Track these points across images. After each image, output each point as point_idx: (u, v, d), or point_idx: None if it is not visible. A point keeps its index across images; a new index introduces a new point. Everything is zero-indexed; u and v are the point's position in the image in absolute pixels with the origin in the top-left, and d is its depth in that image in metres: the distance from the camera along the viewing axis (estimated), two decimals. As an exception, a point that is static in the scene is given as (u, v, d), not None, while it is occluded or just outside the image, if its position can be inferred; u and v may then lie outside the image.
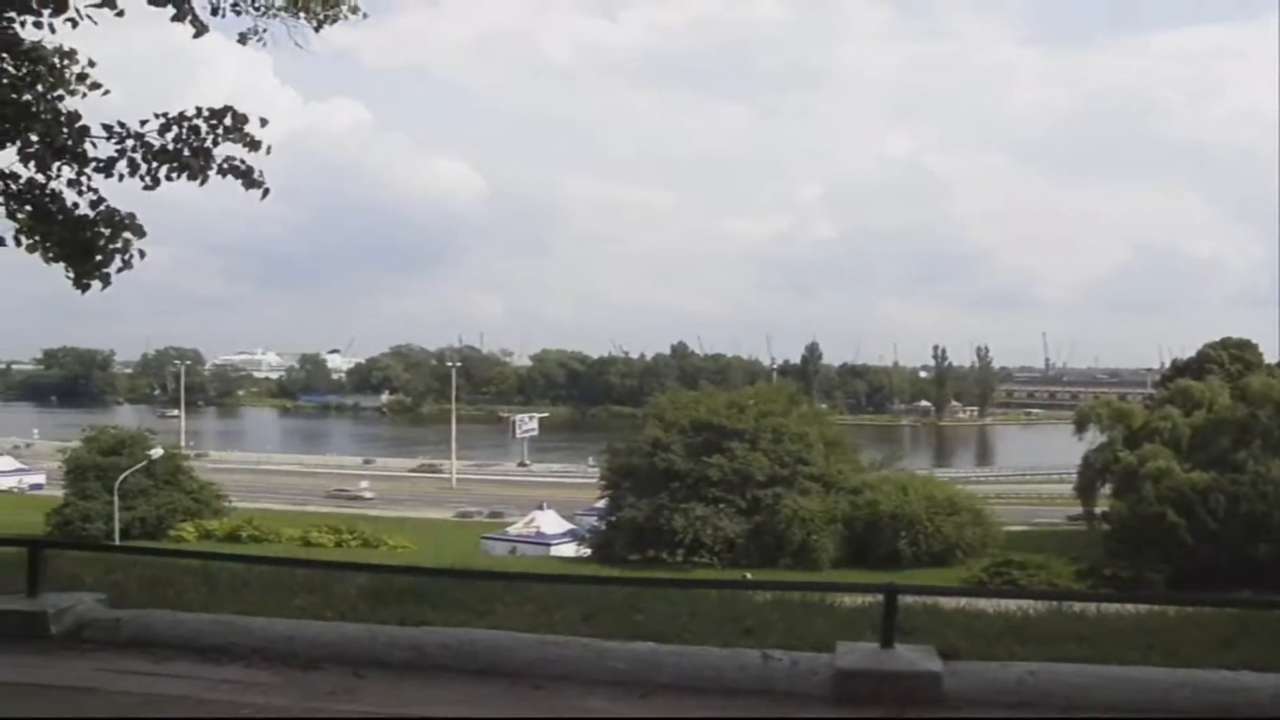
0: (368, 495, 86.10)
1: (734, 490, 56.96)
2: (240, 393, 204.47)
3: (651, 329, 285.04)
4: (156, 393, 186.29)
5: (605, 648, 5.34)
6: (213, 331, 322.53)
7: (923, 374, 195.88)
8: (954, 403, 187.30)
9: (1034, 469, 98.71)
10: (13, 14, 6.29)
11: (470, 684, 5.20)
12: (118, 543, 45.91)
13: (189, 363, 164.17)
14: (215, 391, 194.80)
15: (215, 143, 6.37)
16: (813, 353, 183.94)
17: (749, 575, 36.94)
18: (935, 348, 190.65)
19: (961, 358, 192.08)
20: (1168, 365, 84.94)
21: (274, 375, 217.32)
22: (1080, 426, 67.23)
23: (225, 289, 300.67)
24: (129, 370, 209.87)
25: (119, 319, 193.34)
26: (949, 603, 6.65)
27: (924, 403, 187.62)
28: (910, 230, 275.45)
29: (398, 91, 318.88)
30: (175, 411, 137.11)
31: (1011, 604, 6.81)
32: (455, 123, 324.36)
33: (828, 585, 9.79)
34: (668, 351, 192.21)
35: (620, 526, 58.67)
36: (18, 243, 6.31)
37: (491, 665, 5.32)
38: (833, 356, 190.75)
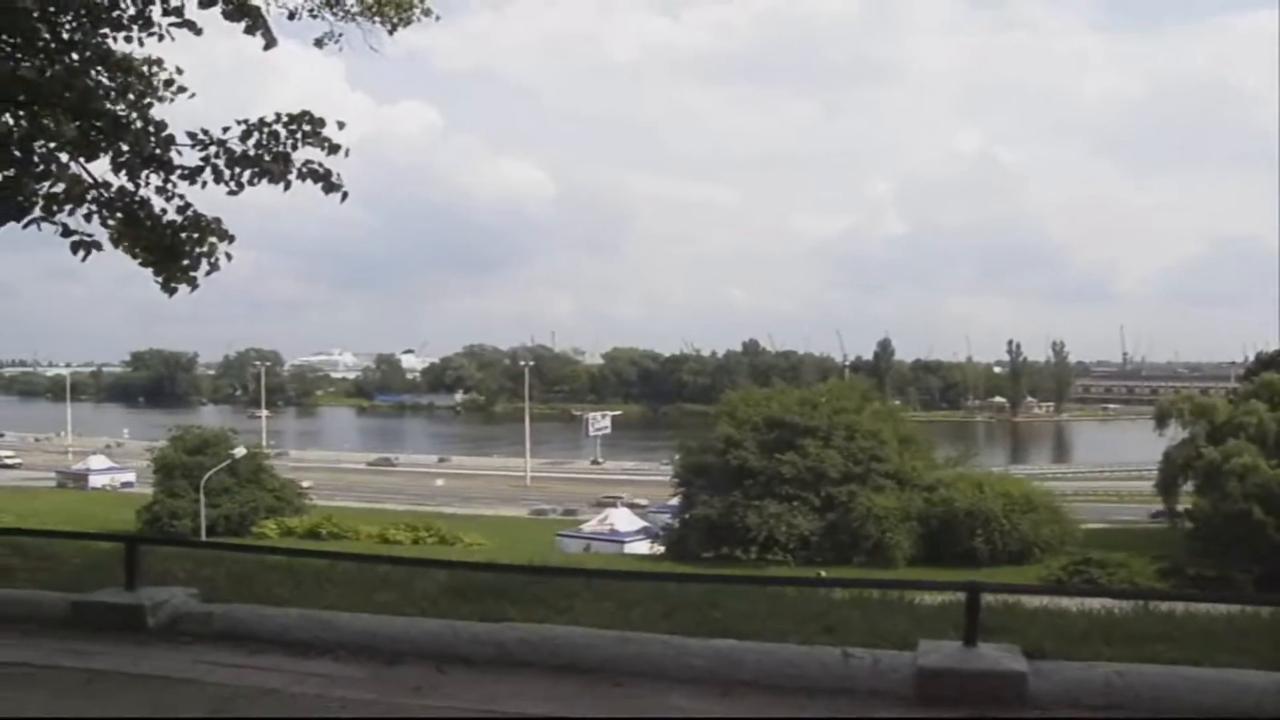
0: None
1: (807, 487, 56.62)
2: (318, 393, 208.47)
3: (722, 326, 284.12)
4: (238, 393, 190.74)
5: (685, 645, 5.32)
6: (291, 333, 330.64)
7: (997, 370, 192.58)
8: (1029, 399, 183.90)
9: (1112, 465, 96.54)
10: (106, 30, 6.50)
11: (551, 680, 5.23)
12: (205, 539, 47.07)
13: (269, 364, 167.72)
14: (294, 392, 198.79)
15: (295, 147, 6.51)
16: (885, 349, 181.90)
17: (823, 573, 36.70)
18: (1009, 343, 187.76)
19: (1036, 353, 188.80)
20: (1251, 359, 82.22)
21: (350, 376, 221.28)
22: (1161, 422, 65.60)
23: (303, 291, 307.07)
24: (211, 372, 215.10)
25: (202, 322, 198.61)
26: (1030, 602, 6.52)
27: (998, 399, 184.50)
28: (982, 224, 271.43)
29: (466, 94, 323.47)
30: (264, 412, 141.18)
31: (1095, 603, 6.64)
32: (523, 124, 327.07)
33: (907, 583, 9.65)
34: (739, 349, 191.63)
35: (693, 524, 58.67)
36: (114, 244, 6.52)
37: (572, 662, 5.34)
38: (905, 353, 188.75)
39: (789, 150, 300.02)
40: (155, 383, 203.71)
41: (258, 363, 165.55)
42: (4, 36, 5.80)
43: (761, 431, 58.85)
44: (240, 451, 64.70)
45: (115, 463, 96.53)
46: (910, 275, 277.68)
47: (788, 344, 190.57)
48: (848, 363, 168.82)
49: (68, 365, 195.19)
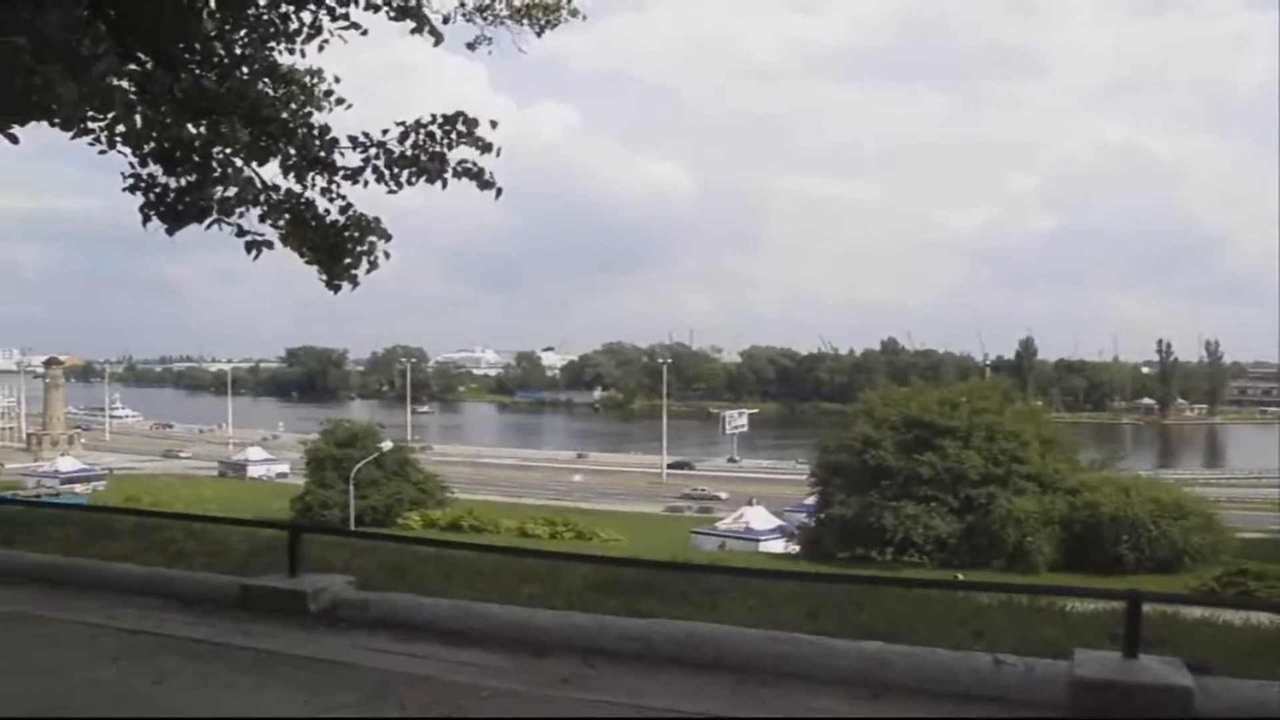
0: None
1: (946, 489, 55.34)
2: (460, 389, 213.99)
3: (860, 324, 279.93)
4: (384, 389, 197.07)
5: (833, 646, 5.27)
6: (436, 331, 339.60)
7: (1145, 370, 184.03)
8: (1180, 400, 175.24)
9: (1271, 471, 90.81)
10: (273, 44, 6.86)
11: (697, 678, 5.24)
12: (360, 529, 48.85)
13: (414, 360, 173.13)
14: (438, 388, 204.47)
15: (450, 147, 6.73)
16: (1027, 348, 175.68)
17: (960, 576, 35.75)
18: (1159, 342, 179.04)
19: (1188, 352, 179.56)
20: None
21: (492, 372, 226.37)
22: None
23: (447, 290, 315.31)
24: (360, 368, 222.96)
25: (352, 320, 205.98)
26: (1189, 613, 6.23)
27: (1147, 400, 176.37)
28: (1132, 218, 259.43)
29: (605, 94, 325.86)
30: (426, 407, 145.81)
31: (1263, 617, 6.30)
32: (663, 123, 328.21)
33: (1059, 589, 9.34)
34: (877, 347, 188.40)
35: (829, 523, 58.07)
36: (283, 244, 6.86)
37: (718, 660, 5.34)
38: (1048, 352, 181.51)
39: (929, 144, 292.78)
40: (308, 378, 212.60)
41: (404, 359, 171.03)
42: (186, 55, 6.18)
43: (900, 431, 57.77)
44: (387, 445, 66.92)
45: (271, 454, 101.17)
46: (1055, 272, 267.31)
47: (927, 342, 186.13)
48: (988, 362, 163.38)
49: (229, 361, 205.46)
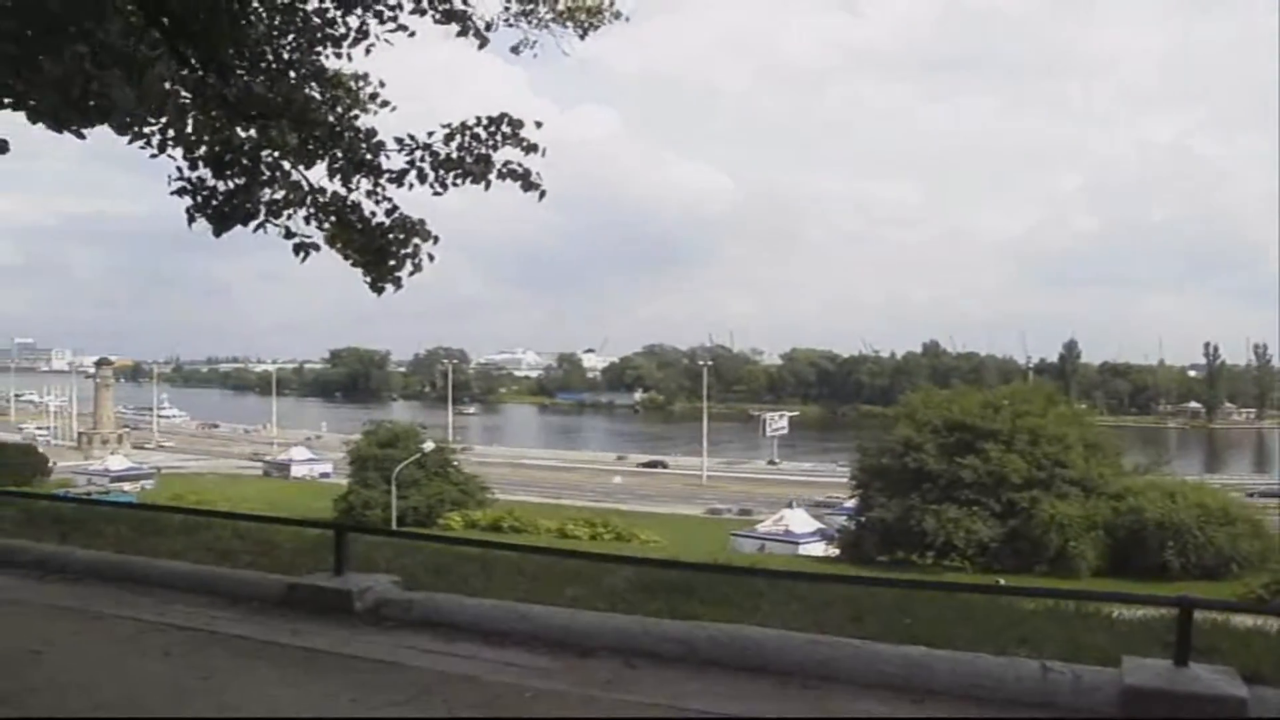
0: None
1: (988, 492, 54.83)
2: (502, 390, 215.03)
3: (902, 327, 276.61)
4: (426, 390, 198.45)
5: (877, 650, 5.24)
6: (477, 332, 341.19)
7: (1192, 373, 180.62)
8: (1227, 404, 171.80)
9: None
10: (320, 49, 6.96)
11: (740, 681, 5.24)
12: (404, 529, 49.22)
13: (456, 362, 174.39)
14: (479, 389, 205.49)
15: (495, 148, 6.77)
16: (1070, 350, 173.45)
17: (1002, 581, 35.44)
18: (1206, 345, 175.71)
19: (1236, 356, 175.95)
20: None
21: (533, 374, 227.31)
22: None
23: (488, 292, 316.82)
24: (402, 369, 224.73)
25: (395, 321, 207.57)
26: (1240, 621, 6.11)
27: (1193, 404, 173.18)
28: (1180, 221, 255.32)
29: (645, 96, 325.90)
30: (472, 408, 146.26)
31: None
32: (703, 125, 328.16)
33: (1107, 595, 9.20)
34: (919, 350, 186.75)
35: (870, 526, 57.74)
36: (329, 245, 6.95)
37: (761, 663, 5.33)
38: (1092, 355, 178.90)
39: (971, 145, 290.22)
40: (351, 379, 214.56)
41: (445, 361, 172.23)
42: (236, 60, 6.28)
43: (941, 434, 57.34)
44: (429, 446, 67.32)
45: (314, 454, 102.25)
46: (1099, 274, 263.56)
47: (969, 345, 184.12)
48: (1031, 365, 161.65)
49: (274, 362, 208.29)
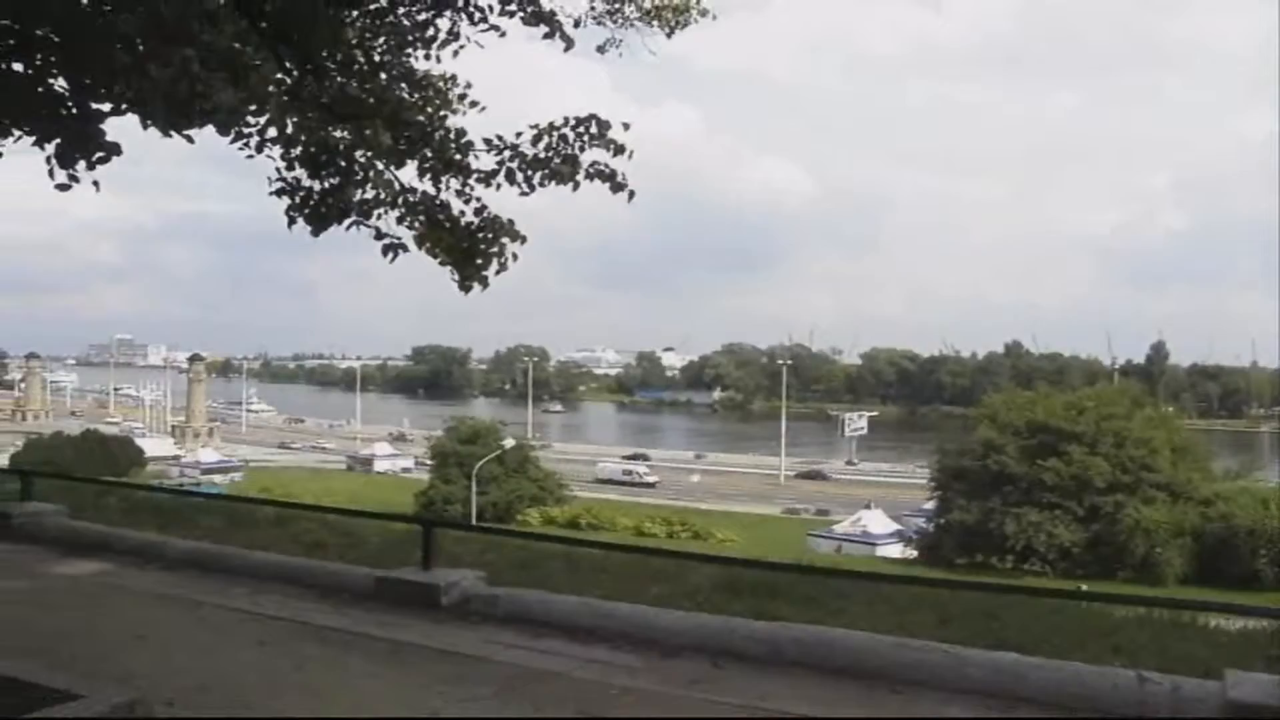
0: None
1: (1070, 496, 53.54)
2: (581, 388, 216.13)
3: (983, 326, 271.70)
4: (507, 387, 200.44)
5: (965, 655, 5.17)
6: (557, 330, 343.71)
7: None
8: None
9: None
10: (410, 50, 7.07)
11: (826, 683, 5.20)
12: (489, 525, 49.81)
13: (536, 359, 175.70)
14: (558, 387, 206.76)
15: (582, 149, 6.81)
16: (1158, 352, 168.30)
17: (1084, 586, 34.57)
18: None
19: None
20: None
21: (612, 372, 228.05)
22: None
23: (569, 290, 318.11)
24: (483, 366, 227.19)
25: (476, 319, 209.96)
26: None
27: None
28: (1275, 217, 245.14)
29: (726, 93, 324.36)
30: (558, 407, 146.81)
31: None
32: (783, 122, 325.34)
33: (1206, 604, 8.92)
34: (1000, 350, 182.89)
35: (949, 529, 56.82)
36: (418, 246, 7.06)
37: (848, 665, 5.29)
38: (1181, 356, 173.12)
39: (1055, 141, 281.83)
40: (433, 376, 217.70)
41: (526, 358, 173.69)
42: (329, 63, 6.41)
43: (1023, 436, 56.17)
44: (509, 443, 68.04)
45: (396, 450, 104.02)
46: (1189, 273, 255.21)
47: (1053, 345, 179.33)
48: (1117, 366, 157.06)
49: (358, 359, 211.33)
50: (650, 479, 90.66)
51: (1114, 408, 58.17)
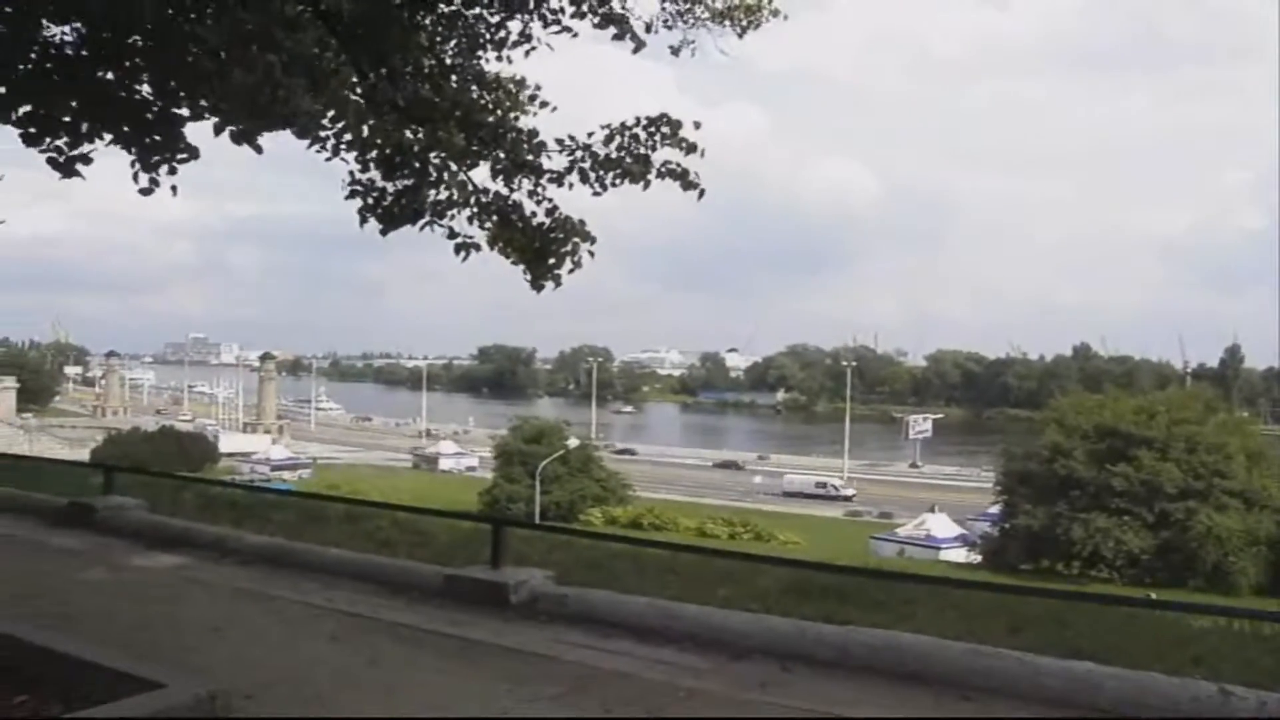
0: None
1: (1140, 502, 52.25)
2: (644, 389, 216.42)
3: (1051, 328, 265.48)
4: (571, 387, 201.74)
5: (1039, 664, 5.08)
6: (621, 330, 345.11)
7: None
8: None
9: None
10: (480, 53, 7.15)
11: (896, 688, 5.15)
12: (557, 525, 50.07)
13: (600, 359, 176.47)
14: (622, 387, 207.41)
15: (654, 148, 6.83)
16: (1233, 355, 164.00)
17: (1153, 594, 33.72)
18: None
19: None
20: None
21: (676, 372, 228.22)
22: None
23: (633, 291, 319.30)
24: (548, 366, 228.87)
25: (541, 318, 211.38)
26: None
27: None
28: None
29: (791, 94, 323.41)
30: (629, 408, 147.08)
31: None
32: (848, 122, 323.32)
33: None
34: (1068, 352, 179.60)
35: (1014, 534, 55.83)
36: (490, 245, 7.14)
37: (918, 671, 5.22)
38: (1257, 359, 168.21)
39: (1125, 139, 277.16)
40: (498, 375, 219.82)
41: (590, 358, 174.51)
42: (402, 66, 6.51)
43: (1092, 440, 54.96)
44: (573, 443, 68.36)
45: (461, 448, 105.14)
46: (1267, 273, 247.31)
47: (1122, 348, 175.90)
48: (1189, 369, 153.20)
49: (425, 358, 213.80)
50: (848, 491, 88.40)
51: (1186, 412, 56.64)
